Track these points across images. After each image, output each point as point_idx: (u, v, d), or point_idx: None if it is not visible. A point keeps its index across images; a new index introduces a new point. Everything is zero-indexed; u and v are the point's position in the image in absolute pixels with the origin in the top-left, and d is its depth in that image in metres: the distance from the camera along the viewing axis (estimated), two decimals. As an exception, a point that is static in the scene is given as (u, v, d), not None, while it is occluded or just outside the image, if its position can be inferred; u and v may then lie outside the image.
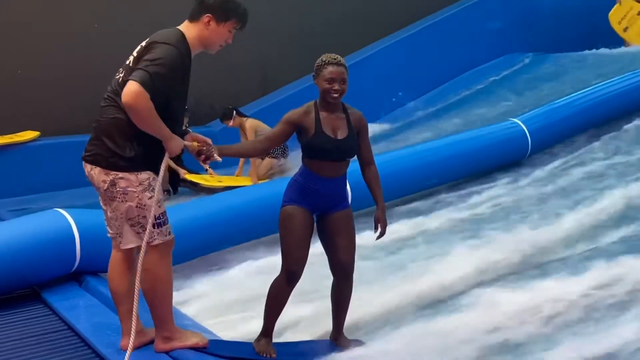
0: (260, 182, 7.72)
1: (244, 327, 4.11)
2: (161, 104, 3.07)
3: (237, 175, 8.36)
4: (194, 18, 3.28)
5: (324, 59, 3.49)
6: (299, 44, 10.36)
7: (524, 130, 7.43)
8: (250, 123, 8.27)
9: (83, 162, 3.28)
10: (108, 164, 3.16)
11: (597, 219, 5.45)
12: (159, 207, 3.22)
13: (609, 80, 8.39)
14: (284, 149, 8.28)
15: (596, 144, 7.67)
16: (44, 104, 8.74)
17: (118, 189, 3.16)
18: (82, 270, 4.56)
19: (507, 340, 3.62)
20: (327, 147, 3.44)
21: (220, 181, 7.81)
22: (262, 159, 8.17)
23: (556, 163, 7.37)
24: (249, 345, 3.59)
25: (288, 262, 3.48)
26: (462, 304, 4.15)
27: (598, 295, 4.00)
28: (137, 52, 3.20)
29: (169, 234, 3.29)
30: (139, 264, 3.18)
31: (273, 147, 3.67)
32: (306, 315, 4.14)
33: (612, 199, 5.78)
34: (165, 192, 7.34)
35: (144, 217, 3.18)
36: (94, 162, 3.20)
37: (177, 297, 3.77)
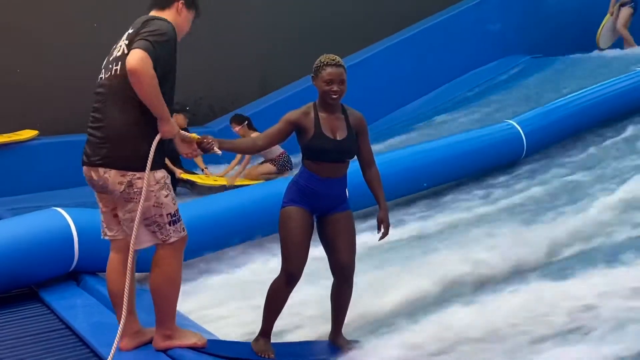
0: (237, 182, 7.73)
1: (243, 327, 4.11)
2: (158, 77, 3.06)
3: (224, 173, 8.34)
4: (164, 6, 3.31)
5: (322, 60, 3.50)
6: (299, 45, 10.36)
7: (519, 132, 7.44)
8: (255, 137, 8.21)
9: (86, 168, 3.25)
10: (124, 165, 3.14)
11: (595, 220, 5.45)
12: (174, 204, 3.24)
13: (604, 82, 8.42)
14: (290, 166, 8.27)
15: (592, 145, 7.69)
16: (43, 103, 8.72)
17: (135, 190, 3.14)
18: (81, 269, 4.56)
19: (506, 341, 3.62)
20: (326, 148, 3.45)
21: (215, 180, 7.83)
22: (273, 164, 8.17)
23: (552, 164, 7.39)
24: (247, 345, 3.60)
25: (287, 263, 3.48)
26: (459, 305, 4.15)
27: (598, 295, 3.98)
28: (127, 38, 3.19)
29: (183, 230, 3.30)
30: (129, 263, 3.18)
31: (272, 145, 3.67)
32: (306, 315, 4.14)
33: (609, 200, 5.77)
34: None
35: (160, 215, 3.19)
36: (108, 165, 3.16)
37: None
